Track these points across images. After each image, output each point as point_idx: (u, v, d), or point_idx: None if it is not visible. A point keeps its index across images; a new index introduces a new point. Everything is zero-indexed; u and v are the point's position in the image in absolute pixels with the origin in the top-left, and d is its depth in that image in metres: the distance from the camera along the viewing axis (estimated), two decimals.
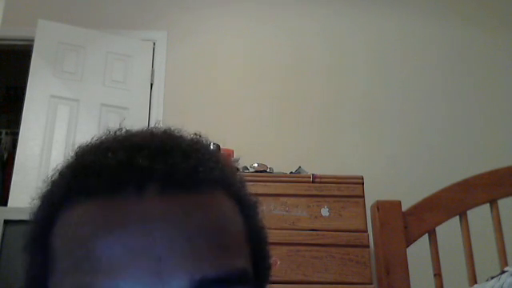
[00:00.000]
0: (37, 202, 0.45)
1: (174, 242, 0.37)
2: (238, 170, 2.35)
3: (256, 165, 2.56)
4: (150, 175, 0.39)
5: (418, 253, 1.82)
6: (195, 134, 0.47)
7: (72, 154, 0.45)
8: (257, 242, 0.45)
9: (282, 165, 2.68)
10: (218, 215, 0.41)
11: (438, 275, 1.68)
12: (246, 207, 0.46)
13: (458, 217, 1.75)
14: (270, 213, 2.16)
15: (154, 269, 0.36)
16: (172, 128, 0.46)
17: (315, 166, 2.65)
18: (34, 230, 0.44)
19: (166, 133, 0.45)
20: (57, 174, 0.44)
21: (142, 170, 0.39)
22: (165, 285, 0.36)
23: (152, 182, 0.39)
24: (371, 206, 1.79)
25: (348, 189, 2.26)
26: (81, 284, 0.37)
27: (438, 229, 1.73)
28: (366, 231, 2.17)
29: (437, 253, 1.70)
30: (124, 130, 0.46)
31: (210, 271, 0.37)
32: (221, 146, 2.45)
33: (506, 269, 1.37)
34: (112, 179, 0.39)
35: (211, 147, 0.47)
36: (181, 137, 0.45)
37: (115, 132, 0.45)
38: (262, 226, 0.48)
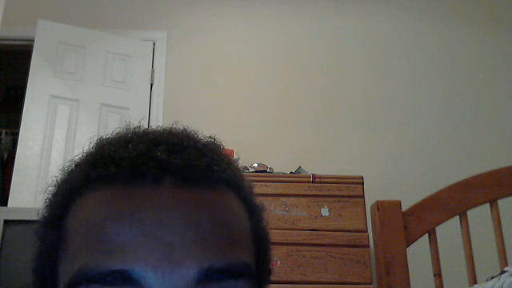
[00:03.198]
0: (52, 189, 0.46)
1: (185, 231, 0.39)
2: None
3: (256, 165, 2.56)
4: (167, 168, 0.41)
5: (418, 253, 1.82)
6: (210, 137, 0.49)
7: (92, 144, 0.47)
8: (261, 245, 0.47)
9: (281, 165, 2.68)
10: (227, 211, 0.43)
11: (437, 275, 1.68)
12: (253, 210, 0.47)
13: (458, 217, 1.75)
14: (270, 213, 2.16)
15: (165, 254, 0.38)
16: (189, 129, 0.48)
17: (315, 166, 2.65)
18: (48, 214, 0.46)
19: (183, 132, 0.48)
20: (75, 163, 0.46)
21: (159, 162, 0.42)
22: (174, 270, 0.37)
23: (168, 174, 0.41)
24: (371, 206, 1.79)
25: (348, 189, 2.26)
26: (91, 263, 0.38)
27: (437, 229, 1.73)
28: (366, 231, 2.17)
29: (437, 253, 1.70)
30: (142, 127, 0.48)
31: (217, 261, 0.39)
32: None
33: (505, 269, 1.37)
34: (131, 169, 0.41)
35: (224, 151, 0.49)
36: (197, 137, 0.48)
37: (134, 128, 0.48)
38: (266, 232, 0.49)
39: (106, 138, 0.47)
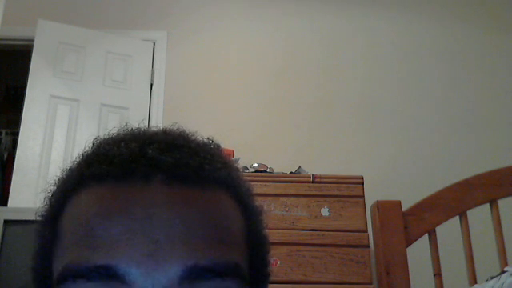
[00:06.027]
0: (52, 188, 0.47)
1: (173, 228, 0.39)
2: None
3: (256, 165, 2.56)
4: (158, 166, 0.42)
5: (418, 253, 1.82)
6: (207, 138, 0.49)
7: (90, 144, 0.48)
8: (256, 248, 0.46)
9: (282, 165, 2.68)
10: (217, 210, 0.42)
11: (437, 275, 1.68)
12: (249, 212, 0.47)
13: (458, 217, 1.75)
14: (270, 213, 2.16)
15: (150, 251, 0.38)
16: (185, 129, 0.49)
17: (315, 166, 2.65)
18: (45, 213, 0.46)
19: (178, 132, 0.48)
20: (74, 162, 0.47)
21: (150, 160, 0.42)
22: (159, 267, 0.38)
23: (158, 172, 0.42)
24: (371, 206, 1.79)
25: (348, 189, 2.26)
26: (80, 258, 0.39)
27: (437, 229, 1.73)
28: (366, 231, 2.17)
29: (437, 253, 1.70)
30: (141, 128, 0.49)
31: (202, 260, 0.39)
32: (221, 146, 2.45)
33: (506, 269, 1.37)
34: (122, 166, 0.42)
35: (221, 152, 0.49)
36: (193, 137, 0.48)
37: (132, 128, 0.48)
38: (264, 234, 0.49)
39: (103, 138, 0.47)
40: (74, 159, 0.47)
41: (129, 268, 0.37)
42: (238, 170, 0.49)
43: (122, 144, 0.44)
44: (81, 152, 0.47)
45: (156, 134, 0.46)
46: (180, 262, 0.38)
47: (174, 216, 0.39)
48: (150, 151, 0.42)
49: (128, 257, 0.38)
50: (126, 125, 0.49)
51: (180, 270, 0.38)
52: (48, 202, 0.47)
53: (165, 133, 0.47)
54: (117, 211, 0.40)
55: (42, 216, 0.47)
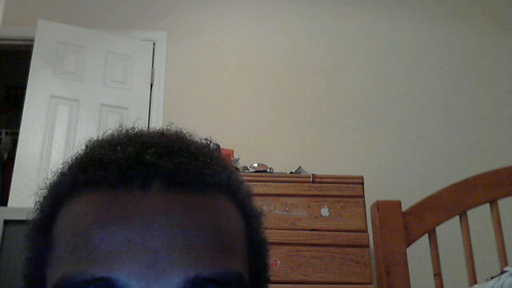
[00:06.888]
0: (43, 192, 0.45)
1: (173, 238, 0.38)
2: (238, 169, 2.35)
3: (256, 165, 2.55)
4: (156, 172, 0.40)
5: (418, 253, 1.82)
6: (205, 139, 0.48)
7: (82, 146, 0.45)
8: (256, 252, 0.46)
9: (282, 165, 2.68)
10: (218, 217, 0.41)
11: (437, 275, 1.68)
12: (249, 216, 0.46)
13: (458, 217, 1.75)
14: (270, 213, 2.16)
15: (150, 262, 0.37)
16: (183, 130, 0.47)
17: (315, 166, 2.65)
18: (37, 218, 0.45)
19: (176, 134, 0.46)
20: (66, 165, 0.45)
21: (148, 166, 0.40)
22: (159, 278, 0.36)
23: (157, 178, 0.40)
24: (371, 206, 1.79)
25: (348, 189, 2.26)
26: (75, 270, 0.37)
27: (437, 229, 1.73)
28: (366, 231, 2.17)
29: (437, 253, 1.70)
30: (136, 128, 0.47)
31: (204, 270, 0.37)
32: (221, 146, 2.45)
33: (506, 269, 1.37)
34: (119, 172, 0.40)
35: (220, 153, 0.48)
36: (191, 139, 0.46)
37: (127, 130, 0.46)
38: (264, 238, 0.48)
39: (97, 140, 0.46)
40: (66, 161, 0.45)
41: (129, 280, 0.36)
42: (237, 171, 0.48)
43: (118, 148, 0.42)
44: (73, 155, 0.45)
45: (153, 136, 0.44)
46: (181, 273, 0.37)
47: (174, 224, 0.38)
48: (148, 156, 0.41)
49: (128, 268, 0.36)
50: (121, 126, 0.47)
51: (182, 282, 0.37)
52: (40, 207, 0.45)
53: (162, 135, 0.45)
54: (114, 220, 0.38)
55: (33, 221, 0.45)
